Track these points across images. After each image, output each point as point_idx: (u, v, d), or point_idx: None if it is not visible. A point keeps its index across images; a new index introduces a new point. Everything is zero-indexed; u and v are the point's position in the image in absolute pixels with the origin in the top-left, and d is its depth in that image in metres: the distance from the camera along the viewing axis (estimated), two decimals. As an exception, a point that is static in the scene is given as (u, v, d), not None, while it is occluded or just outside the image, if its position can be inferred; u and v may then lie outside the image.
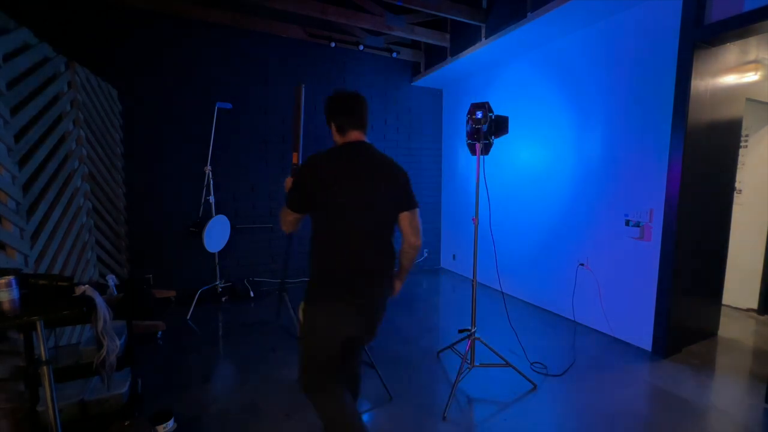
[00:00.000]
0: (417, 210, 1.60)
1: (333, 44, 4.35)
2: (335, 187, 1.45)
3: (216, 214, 3.65)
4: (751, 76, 2.91)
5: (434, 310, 3.89)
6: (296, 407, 2.17)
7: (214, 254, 3.81)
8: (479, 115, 2.25)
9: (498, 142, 2.41)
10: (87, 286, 1.56)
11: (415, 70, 4.99)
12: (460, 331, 2.52)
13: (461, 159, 5.00)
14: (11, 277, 1.37)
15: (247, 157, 4.21)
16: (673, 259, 2.66)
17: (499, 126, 2.30)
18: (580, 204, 3.36)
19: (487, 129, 2.26)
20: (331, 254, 1.51)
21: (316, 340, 1.52)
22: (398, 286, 1.70)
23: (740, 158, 3.27)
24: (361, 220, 1.49)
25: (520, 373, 2.40)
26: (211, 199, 3.69)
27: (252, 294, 4.06)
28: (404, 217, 1.58)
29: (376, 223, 1.53)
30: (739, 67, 2.80)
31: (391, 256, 1.59)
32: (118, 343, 1.62)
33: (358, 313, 1.52)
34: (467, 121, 2.32)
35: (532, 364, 2.64)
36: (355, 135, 1.61)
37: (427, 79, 4.91)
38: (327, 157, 1.54)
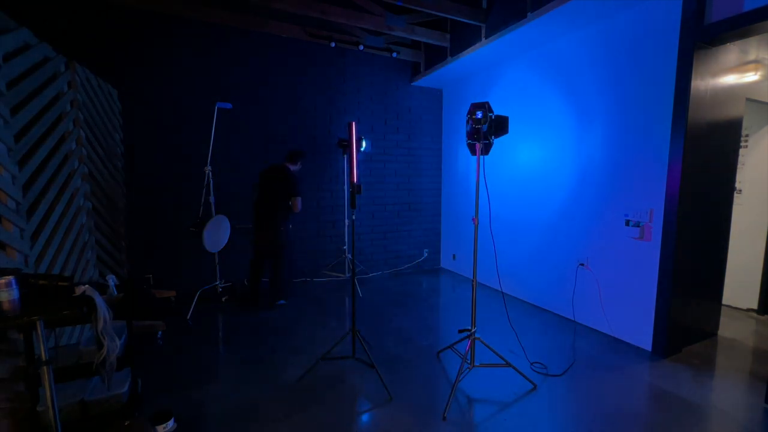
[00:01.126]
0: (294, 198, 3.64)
1: (333, 44, 4.35)
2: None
3: (216, 214, 3.65)
4: (751, 76, 2.91)
5: (434, 310, 3.89)
6: (296, 407, 2.17)
7: (214, 254, 3.81)
8: (479, 115, 2.25)
9: (498, 142, 2.40)
10: (87, 286, 1.56)
11: (415, 70, 4.99)
12: (460, 331, 2.52)
13: (461, 159, 5.00)
14: (11, 277, 1.37)
15: (247, 157, 4.21)
16: (673, 259, 2.66)
17: (499, 126, 2.30)
18: (580, 204, 3.36)
19: (487, 129, 2.26)
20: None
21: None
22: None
23: (740, 158, 3.27)
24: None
25: (520, 373, 2.40)
26: (211, 199, 3.69)
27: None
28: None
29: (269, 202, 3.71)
30: (739, 67, 2.80)
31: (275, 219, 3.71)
32: (118, 343, 1.62)
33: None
34: (467, 121, 2.31)
35: (532, 364, 2.64)
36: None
37: (427, 79, 4.91)
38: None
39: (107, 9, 3.45)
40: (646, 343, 2.86)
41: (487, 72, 4.42)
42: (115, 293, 1.87)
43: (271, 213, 3.63)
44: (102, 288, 1.77)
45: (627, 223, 2.95)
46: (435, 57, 4.54)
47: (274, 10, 3.82)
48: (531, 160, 3.89)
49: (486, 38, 3.62)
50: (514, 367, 2.43)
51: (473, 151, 2.36)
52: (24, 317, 1.36)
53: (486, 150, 2.32)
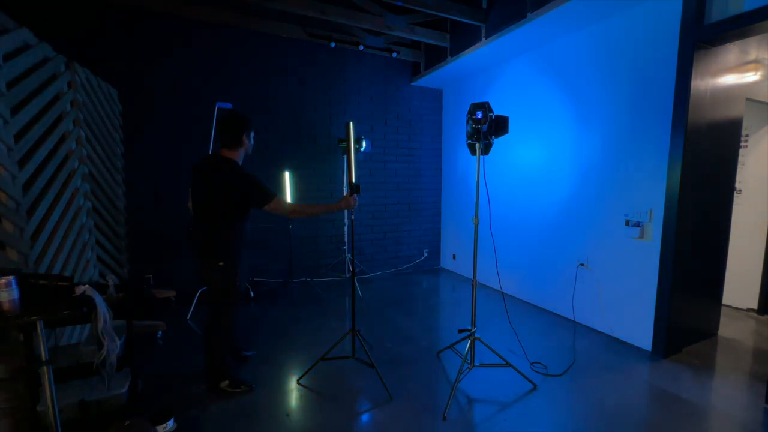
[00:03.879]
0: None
1: (333, 44, 4.35)
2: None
3: (216, 214, 3.65)
4: (751, 76, 2.91)
5: (434, 310, 3.89)
6: (296, 407, 2.17)
7: (214, 254, 3.80)
8: (479, 115, 2.25)
9: (498, 142, 2.41)
10: (87, 286, 1.57)
11: (415, 70, 4.99)
12: (460, 331, 2.52)
13: (461, 159, 5.00)
14: (11, 277, 1.37)
15: (247, 157, 4.20)
16: (673, 259, 2.66)
17: (499, 126, 2.30)
18: (580, 204, 3.36)
19: (487, 129, 2.26)
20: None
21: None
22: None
23: (740, 158, 3.27)
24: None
25: (520, 373, 2.40)
26: (211, 199, 3.68)
27: (252, 294, 4.06)
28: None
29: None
30: (739, 67, 2.80)
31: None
32: (118, 343, 1.63)
33: None
34: (467, 121, 2.31)
35: (532, 364, 2.64)
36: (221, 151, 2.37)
37: (427, 79, 4.91)
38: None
39: (107, 9, 3.45)
40: (646, 343, 2.86)
41: (487, 72, 4.42)
42: (115, 293, 1.87)
43: (205, 232, 2.22)
44: (102, 288, 1.77)
45: (627, 223, 2.95)
46: (435, 57, 4.53)
47: (274, 10, 3.82)
48: (531, 160, 3.89)
49: (486, 38, 3.62)
50: (514, 367, 2.43)
51: (473, 151, 2.36)
52: (24, 317, 1.36)
53: (486, 150, 2.32)
